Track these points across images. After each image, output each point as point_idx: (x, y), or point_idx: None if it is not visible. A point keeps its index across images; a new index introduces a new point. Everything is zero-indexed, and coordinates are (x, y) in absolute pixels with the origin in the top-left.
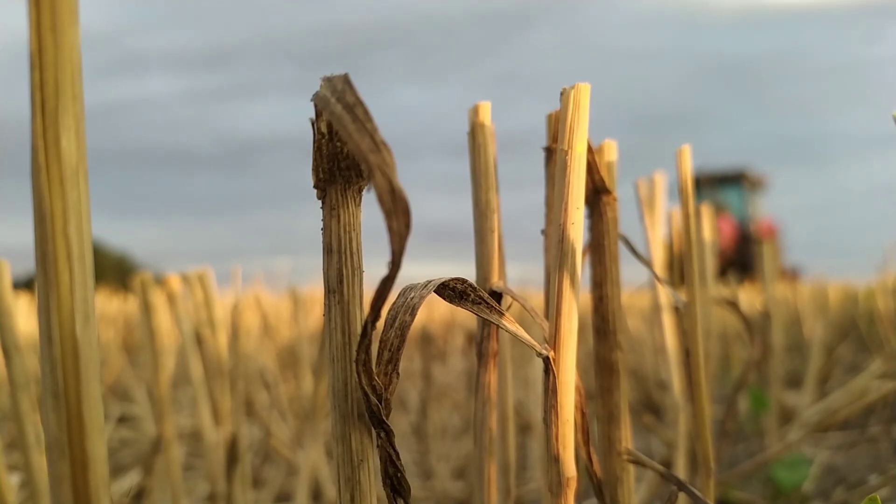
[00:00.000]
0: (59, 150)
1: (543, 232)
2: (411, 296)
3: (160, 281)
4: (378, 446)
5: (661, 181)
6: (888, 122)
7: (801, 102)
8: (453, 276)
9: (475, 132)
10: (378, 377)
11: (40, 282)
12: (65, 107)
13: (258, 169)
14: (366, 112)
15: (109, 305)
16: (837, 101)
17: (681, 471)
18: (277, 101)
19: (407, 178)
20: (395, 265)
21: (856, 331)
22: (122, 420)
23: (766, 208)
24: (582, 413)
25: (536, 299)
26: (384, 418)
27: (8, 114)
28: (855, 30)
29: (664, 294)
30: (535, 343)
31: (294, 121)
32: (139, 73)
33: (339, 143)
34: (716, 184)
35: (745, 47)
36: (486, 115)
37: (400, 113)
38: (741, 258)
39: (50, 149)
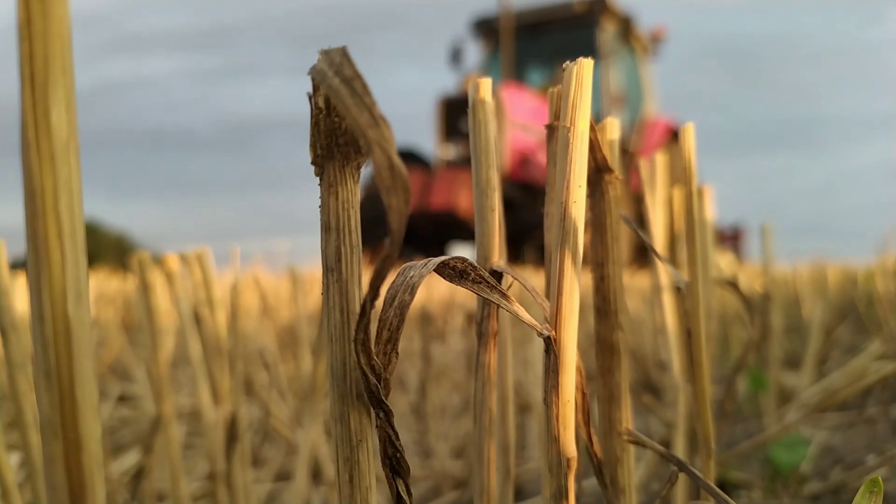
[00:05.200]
0: (48, 124)
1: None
2: (411, 275)
3: (159, 261)
4: (377, 426)
5: (663, 161)
6: (886, 105)
7: (800, 85)
8: (453, 255)
9: (476, 109)
10: (377, 357)
11: (31, 260)
12: (54, 80)
13: (257, 149)
14: (364, 86)
15: (108, 285)
16: (835, 83)
17: (680, 451)
18: (276, 81)
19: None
20: (394, 243)
21: (854, 312)
22: (122, 399)
23: (658, 92)
24: (582, 393)
25: (536, 279)
26: (383, 398)
27: (2, 91)
28: (853, 12)
29: (665, 274)
30: (535, 323)
31: (293, 101)
32: (138, 54)
33: (336, 119)
34: (553, 35)
35: (743, 30)
36: (486, 91)
37: (400, 94)
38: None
39: (40, 123)
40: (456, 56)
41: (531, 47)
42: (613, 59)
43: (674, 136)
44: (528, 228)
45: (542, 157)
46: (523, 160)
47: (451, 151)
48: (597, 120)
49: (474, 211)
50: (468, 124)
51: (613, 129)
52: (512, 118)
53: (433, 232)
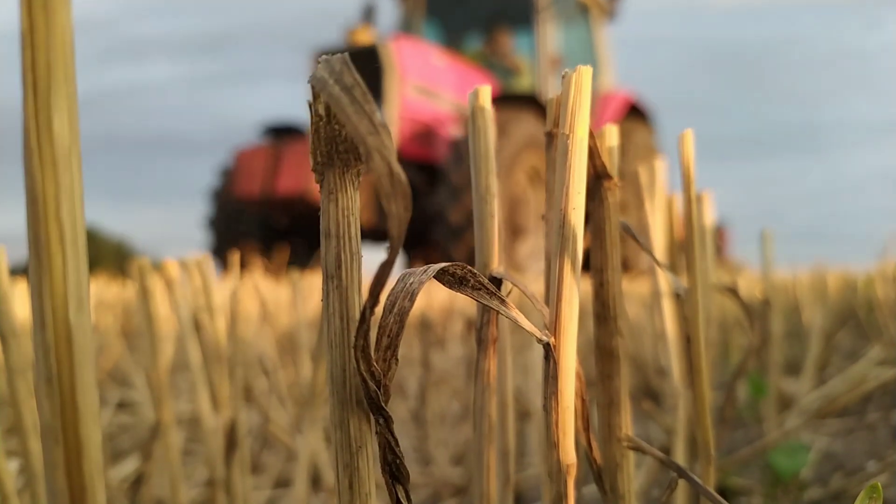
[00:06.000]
0: (51, 131)
1: (544, 217)
2: (410, 281)
3: (158, 267)
4: (377, 433)
5: (662, 167)
6: (888, 110)
7: (800, 91)
8: (453, 262)
9: (475, 116)
10: (377, 363)
11: (33, 266)
12: (57, 87)
13: None
14: (364, 93)
15: (108, 291)
16: (836, 89)
17: (680, 457)
18: (276, 86)
19: None
20: (393, 249)
21: (855, 318)
22: (121, 405)
23: (616, 65)
24: (582, 400)
25: (536, 285)
26: (383, 404)
27: (5, 99)
28: (854, 18)
29: (664, 280)
30: (535, 329)
31: (292, 107)
32: (138, 60)
33: (336, 126)
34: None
35: (744, 35)
36: (486, 98)
37: None
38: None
39: (42, 131)
40: (368, 14)
41: (464, 8)
42: (552, 15)
43: (633, 110)
44: (428, 220)
45: (451, 130)
46: (423, 133)
47: None
48: (527, 87)
49: (474, 218)
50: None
51: (612, 136)
52: (405, 78)
53: (301, 224)
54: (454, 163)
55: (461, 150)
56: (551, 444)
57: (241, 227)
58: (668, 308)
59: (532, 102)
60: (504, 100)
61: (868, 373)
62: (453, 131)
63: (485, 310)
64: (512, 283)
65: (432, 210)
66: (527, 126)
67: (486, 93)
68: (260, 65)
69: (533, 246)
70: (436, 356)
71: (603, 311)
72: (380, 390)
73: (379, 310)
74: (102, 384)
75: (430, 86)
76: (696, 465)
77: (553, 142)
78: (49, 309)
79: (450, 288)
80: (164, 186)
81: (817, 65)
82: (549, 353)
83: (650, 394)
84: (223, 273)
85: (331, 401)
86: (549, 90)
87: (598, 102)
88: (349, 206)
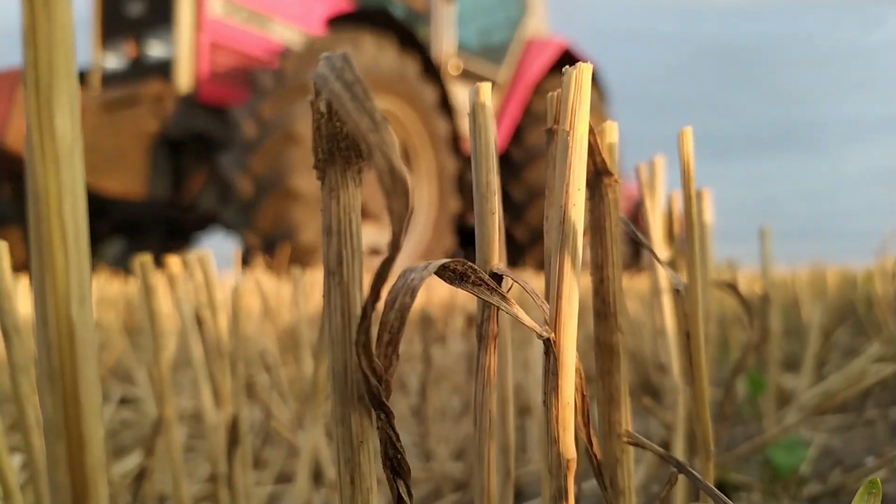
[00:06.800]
0: (53, 129)
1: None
2: (411, 277)
3: (161, 263)
4: (378, 428)
5: (662, 164)
6: (887, 108)
7: (800, 88)
8: (454, 258)
9: (476, 113)
10: (378, 359)
11: (35, 263)
12: (59, 85)
13: None
14: (365, 91)
15: (110, 288)
16: (836, 86)
17: (679, 453)
18: None
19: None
20: (394, 246)
21: (854, 314)
22: (124, 401)
23: (547, 8)
24: (582, 395)
25: (536, 281)
26: (384, 400)
27: None
28: (854, 15)
29: (664, 276)
30: (535, 325)
31: None
32: None
33: (338, 123)
34: None
35: (744, 33)
36: (486, 95)
37: None
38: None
39: (44, 128)
40: None
41: None
42: None
43: (569, 60)
44: (216, 195)
45: (271, 64)
46: (241, 69)
47: (111, 59)
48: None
49: (474, 214)
50: (141, 13)
51: (612, 132)
52: None
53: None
54: (252, 105)
55: (261, 84)
56: (551, 440)
57: None
58: (667, 304)
59: (397, 28)
60: (349, 19)
61: (867, 369)
62: (273, 64)
63: (485, 306)
64: (512, 279)
65: (218, 180)
66: (375, 54)
67: (486, 89)
68: None
69: (378, 240)
70: (437, 352)
71: (603, 308)
72: (381, 386)
73: (380, 306)
74: (105, 380)
75: (257, 7)
76: (695, 460)
77: (553, 138)
78: (51, 305)
79: (450, 284)
80: None
81: (817, 62)
82: (550, 349)
83: (650, 390)
84: None
85: (332, 397)
86: (441, 19)
87: (526, 48)
88: (350, 203)
